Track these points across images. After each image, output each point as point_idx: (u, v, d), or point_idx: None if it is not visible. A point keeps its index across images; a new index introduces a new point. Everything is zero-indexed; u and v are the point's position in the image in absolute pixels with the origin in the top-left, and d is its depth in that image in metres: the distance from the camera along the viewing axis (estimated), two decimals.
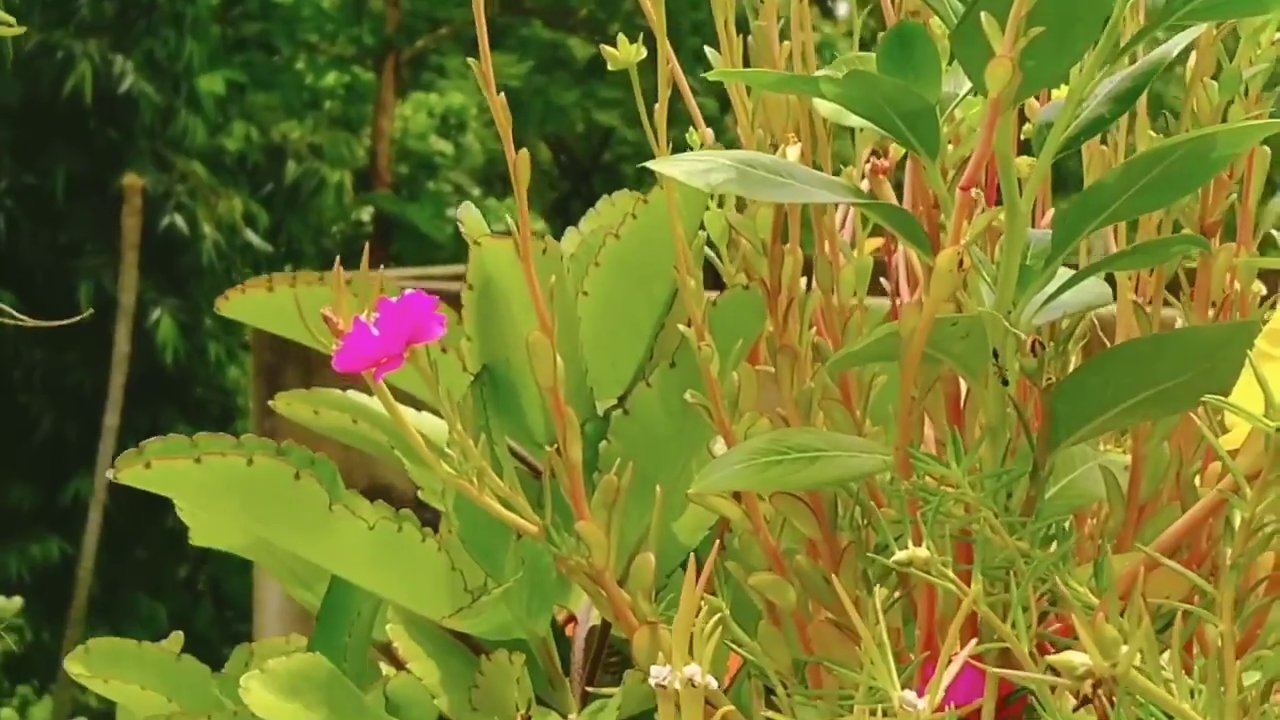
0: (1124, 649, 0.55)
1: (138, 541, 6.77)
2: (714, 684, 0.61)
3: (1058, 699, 0.64)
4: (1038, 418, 0.77)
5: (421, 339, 0.78)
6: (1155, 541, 0.72)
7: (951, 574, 0.65)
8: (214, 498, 0.85)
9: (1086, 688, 0.56)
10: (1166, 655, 0.62)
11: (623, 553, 0.84)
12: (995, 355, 0.74)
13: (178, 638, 1.05)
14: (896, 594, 0.80)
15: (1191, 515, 0.70)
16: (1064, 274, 0.77)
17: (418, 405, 0.95)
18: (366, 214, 8.48)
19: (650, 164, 0.77)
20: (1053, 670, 0.57)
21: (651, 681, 0.62)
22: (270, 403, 0.99)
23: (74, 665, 0.97)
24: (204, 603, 7.22)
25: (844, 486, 0.81)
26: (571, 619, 0.94)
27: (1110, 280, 0.84)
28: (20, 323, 1.09)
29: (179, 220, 6.60)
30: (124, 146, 6.57)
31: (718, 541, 0.80)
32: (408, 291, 0.80)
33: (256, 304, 0.96)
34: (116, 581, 6.86)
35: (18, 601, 5.10)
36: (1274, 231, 0.88)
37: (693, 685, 0.61)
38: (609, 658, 0.93)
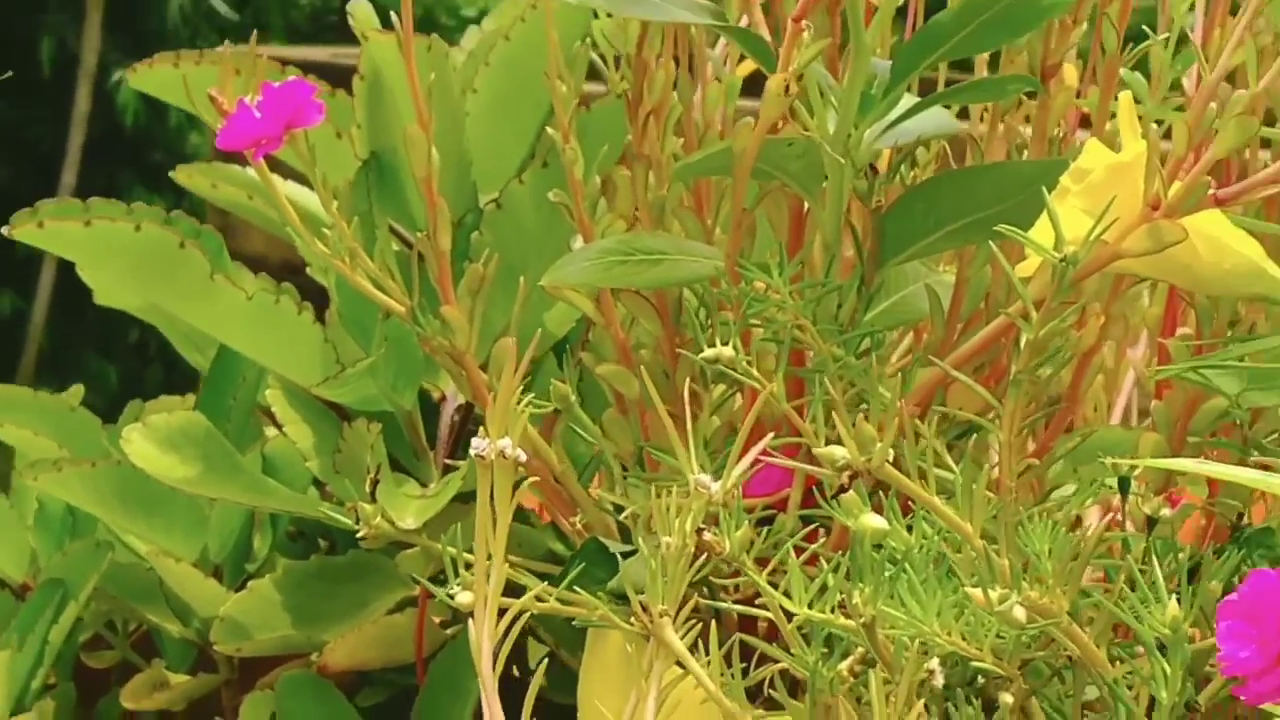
0: (878, 445, 0.61)
1: (90, 302, 6.80)
2: (523, 456, 0.67)
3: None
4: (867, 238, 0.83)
5: (300, 124, 0.83)
6: (952, 356, 0.78)
7: (755, 371, 0.71)
8: (103, 260, 0.91)
9: (844, 478, 0.62)
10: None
11: (487, 337, 0.90)
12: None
13: (78, 391, 1.11)
14: (730, 391, 0.86)
15: (985, 334, 0.76)
16: (909, 103, 0.83)
17: None
18: None
19: None
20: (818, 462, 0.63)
21: (471, 452, 0.69)
22: (170, 174, 1.04)
23: None
24: (154, 366, 7.26)
25: (691, 289, 0.87)
26: (444, 397, 1.00)
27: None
28: None
29: None
30: None
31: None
32: (291, 78, 0.85)
33: (163, 78, 1.01)
34: (68, 339, 6.89)
35: None
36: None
37: (504, 456, 0.67)
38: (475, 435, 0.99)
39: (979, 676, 0.71)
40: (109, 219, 0.89)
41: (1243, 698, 0.60)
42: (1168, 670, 0.64)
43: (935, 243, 0.81)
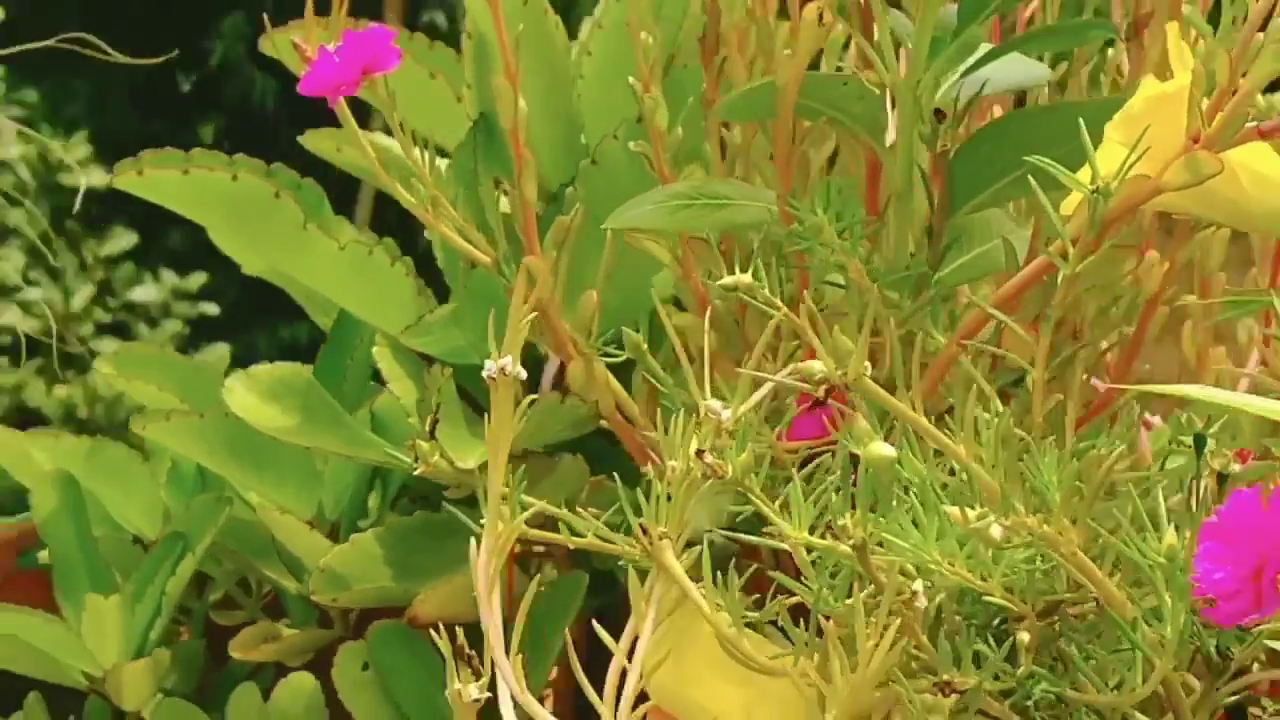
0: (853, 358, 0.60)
1: None
2: (524, 374, 0.67)
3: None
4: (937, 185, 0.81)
5: (378, 69, 0.84)
6: (994, 296, 0.76)
7: (777, 300, 0.70)
8: (201, 209, 0.93)
9: (821, 392, 0.61)
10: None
11: (577, 291, 0.90)
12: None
13: (224, 355, 1.14)
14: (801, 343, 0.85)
15: (1025, 273, 0.74)
16: (985, 50, 0.81)
17: None
18: None
19: None
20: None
21: (484, 374, 0.69)
22: (299, 138, 1.06)
23: (104, 366, 1.06)
24: None
25: (768, 234, 0.86)
26: (549, 355, 1.01)
27: None
28: None
29: None
30: None
31: None
32: (371, 25, 0.87)
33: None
34: None
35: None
36: None
37: (505, 374, 0.67)
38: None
39: (1004, 621, 0.70)
40: (207, 168, 0.91)
41: (1214, 619, 0.57)
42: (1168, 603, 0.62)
43: (1004, 189, 0.80)
